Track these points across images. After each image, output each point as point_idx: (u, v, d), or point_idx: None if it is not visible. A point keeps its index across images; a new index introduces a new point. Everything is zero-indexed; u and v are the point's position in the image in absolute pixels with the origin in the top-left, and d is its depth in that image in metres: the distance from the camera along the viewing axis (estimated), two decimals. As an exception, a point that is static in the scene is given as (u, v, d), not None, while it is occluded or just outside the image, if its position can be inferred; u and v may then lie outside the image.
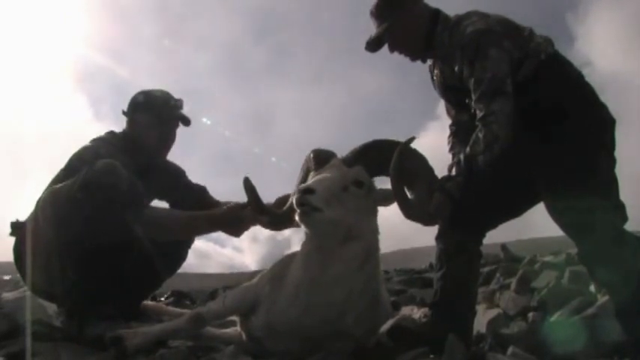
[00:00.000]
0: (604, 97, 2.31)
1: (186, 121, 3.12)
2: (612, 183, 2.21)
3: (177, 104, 3.10)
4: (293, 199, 2.12)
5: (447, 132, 2.79)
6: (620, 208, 2.17)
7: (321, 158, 2.39)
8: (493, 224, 2.42)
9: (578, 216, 2.11)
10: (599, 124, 2.26)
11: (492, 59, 2.25)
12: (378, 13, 2.56)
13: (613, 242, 2.08)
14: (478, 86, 2.26)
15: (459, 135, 2.68)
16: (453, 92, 2.58)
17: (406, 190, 2.27)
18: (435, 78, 2.68)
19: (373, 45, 2.60)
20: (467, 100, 2.46)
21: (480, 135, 2.21)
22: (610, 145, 2.26)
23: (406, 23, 2.52)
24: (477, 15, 2.42)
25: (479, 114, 2.25)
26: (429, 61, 2.71)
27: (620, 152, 2.24)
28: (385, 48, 2.62)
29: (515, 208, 2.45)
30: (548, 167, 2.20)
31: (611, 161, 2.23)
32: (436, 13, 2.54)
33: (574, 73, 2.36)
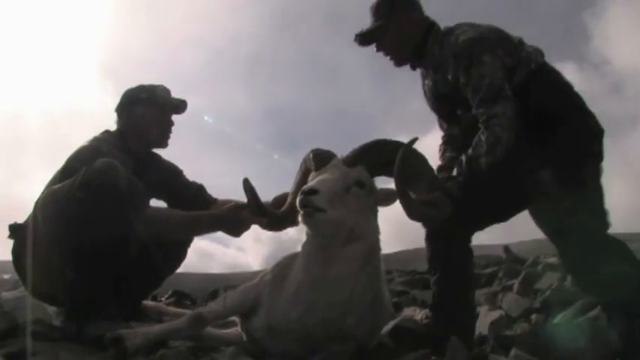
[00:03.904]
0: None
1: (181, 107, 3.13)
2: (597, 191, 2.24)
3: (168, 92, 3.11)
4: (297, 200, 2.11)
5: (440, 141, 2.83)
6: (603, 215, 2.21)
7: (321, 158, 2.38)
8: (481, 227, 2.46)
9: (560, 221, 2.17)
10: (587, 133, 2.29)
11: (488, 65, 2.27)
12: (376, 10, 2.58)
13: (593, 248, 2.13)
14: (477, 93, 2.27)
15: (450, 144, 2.71)
16: (444, 102, 2.61)
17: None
18: (426, 88, 2.70)
19: (362, 39, 2.60)
20: (458, 112, 2.49)
21: (483, 137, 2.22)
22: (597, 154, 2.29)
23: (400, 27, 2.54)
24: (468, 25, 2.45)
25: (481, 118, 2.25)
26: (419, 71, 2.75)
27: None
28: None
29: (504, 213, 2.48)
30: (536, 172, 2.23)
31: (598, 170, 2.27)
32: (431, 25, 2.56)
33: (563, 82, 2.39)
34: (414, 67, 2.69)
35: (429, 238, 2.40)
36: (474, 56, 2.30)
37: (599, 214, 2.22)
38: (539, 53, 2.41)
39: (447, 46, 2.43)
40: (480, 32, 2.37)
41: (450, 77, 2.42)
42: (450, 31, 2.48)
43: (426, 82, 2.68)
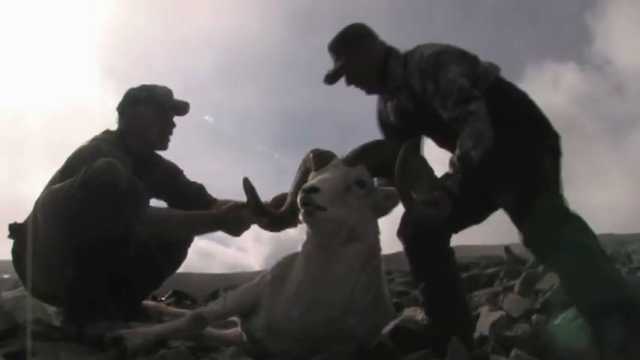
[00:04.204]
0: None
1: (183, 109, 3.13)
2: (555, 178, 2.34)
3: (170, 94, 3.12)
4: (297, 199, 2.12)
5: None
6: (560, 197, 2.29)
7: (321, 158, 2.39)
8: (456, 229, 2.53)
9: (521, 203, 2.24)
10: (542, 133, 2.41)
11: (455, 73, 2.39)
12: (336, 49, 2.70)
13: (554, 222, 2.16)
14: (448, 97, 2.36)
15: None
16: (409, 120, 2.66)
17: None
18: (388, 110, 2.77)
19: (330, 79, 2.72)
20: (422, 127, 2.59)
21: (465, 134, 2.28)
22: (554, 149, 2.39)
23: (362, 60, 2.66)
24: (430, 43, 2.57)
25: (458, 118, 2.33)
26: (378, 99, 2.85)
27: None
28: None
29: (479, 214, 2.57)
30: (498, 171, 2.30)
31: (556, 163, 2.37)
32: (389, 50, 2.68)
33: (519, 93, 2.54)
34: (381, 93, 2.79)
35: (409, 243, 2.46)
36: (441, 66, 2.41)
37: (558, 196, 2.30)
38: (495, 68, 2.55)
39: (412, 62, 2.53)
40: (442, 47, 2.51)
41: (417, 88, 2.50)
42: (412, 51, 2.59)
43: (388, 104, 2.77)
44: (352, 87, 2.75)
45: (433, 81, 2.41)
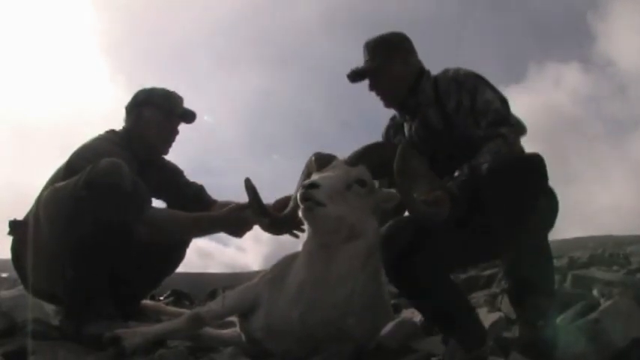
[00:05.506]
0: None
1: (190, 117, 3.12)
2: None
3: (180, 101, 3.11)
4: (297, 195, 2.12)
5: None
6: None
7: (322, 160, 2.39)
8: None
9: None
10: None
11: (491, 95, 2.43)
12: (374, 49, 2.62)
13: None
14: (484, 116, 2.40)
15: None
16: (434, 138, 2.61)
17: None
18: (409, 131, 2.72)
19: (355, 76, 2.64)
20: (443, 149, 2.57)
21: (486, 149, 2.31)
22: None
23: (398, 68, 2.60)
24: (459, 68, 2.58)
25: (485, 139, 2.36)
26: (390, 122, 2.84)
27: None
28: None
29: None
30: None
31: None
32: (423, 69, 2.65)
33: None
34: (399, 108, 2.72)
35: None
36: (479, 85, 2.45)
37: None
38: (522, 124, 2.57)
39: (443, 80, 2.53)
40: (476, 72, 2.52)
41: (452, 104, 2.50)
42: (441, 72, 2.59)
43: (406, 125, 2.72)
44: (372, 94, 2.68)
45: (470, 96, 2.44)
